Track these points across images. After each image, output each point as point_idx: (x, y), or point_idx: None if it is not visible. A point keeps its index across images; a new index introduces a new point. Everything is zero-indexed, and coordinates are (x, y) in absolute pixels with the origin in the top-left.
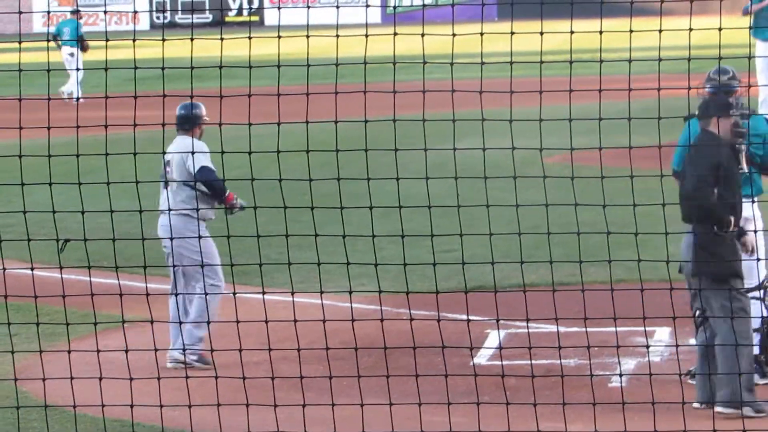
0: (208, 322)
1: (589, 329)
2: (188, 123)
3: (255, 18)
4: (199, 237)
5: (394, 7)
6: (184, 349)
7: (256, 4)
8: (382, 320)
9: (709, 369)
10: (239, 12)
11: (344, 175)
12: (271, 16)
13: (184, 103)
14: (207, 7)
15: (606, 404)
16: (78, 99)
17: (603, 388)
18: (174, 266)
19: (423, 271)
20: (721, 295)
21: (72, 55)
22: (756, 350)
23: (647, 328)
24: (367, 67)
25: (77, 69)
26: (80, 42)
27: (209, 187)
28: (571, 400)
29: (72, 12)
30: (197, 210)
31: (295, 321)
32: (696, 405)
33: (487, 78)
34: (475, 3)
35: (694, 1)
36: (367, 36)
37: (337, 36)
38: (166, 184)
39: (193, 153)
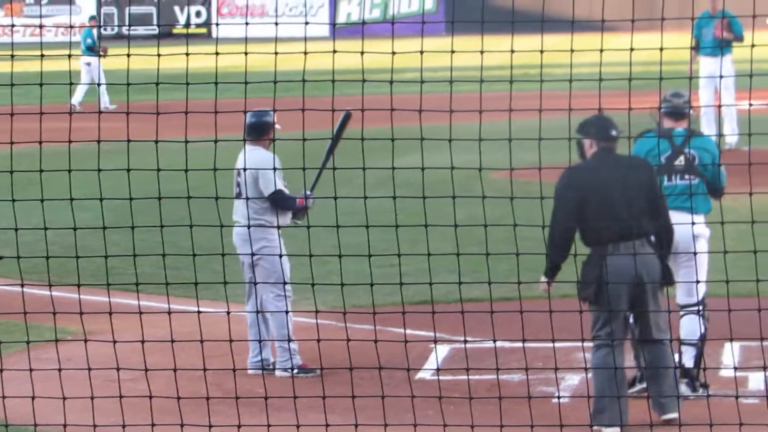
0: (289, 340)
1: (534, 345)
2: (257, 132)
3: (203, 30)
4: (280, 255)
5: (334, 24)
6: (291, 368)
7: (203, 17)
8: (318, 340)
9: (618, 390)
10: (187, 24)
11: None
12: (219, 29)
13: (253, 111)
14: (154, 19)
15: (546, 424)
16: (103, 109)
17: (546, 405)
18: (247, 277)
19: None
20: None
21: (88, 64)
22: (691, 363)
23: (587, 344)
24: (311, 82)
25: (99, 81)
26: (94, 50)
27: (281, 208)
28: (514, 415)
29: (89, 19)
30: (271, 219)
31: (231, 341)
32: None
33: (433, 93)
34: (416, 21)
35: (636, 20)
36: (306, 53)
37: (276, 53)
38: (239, 194)
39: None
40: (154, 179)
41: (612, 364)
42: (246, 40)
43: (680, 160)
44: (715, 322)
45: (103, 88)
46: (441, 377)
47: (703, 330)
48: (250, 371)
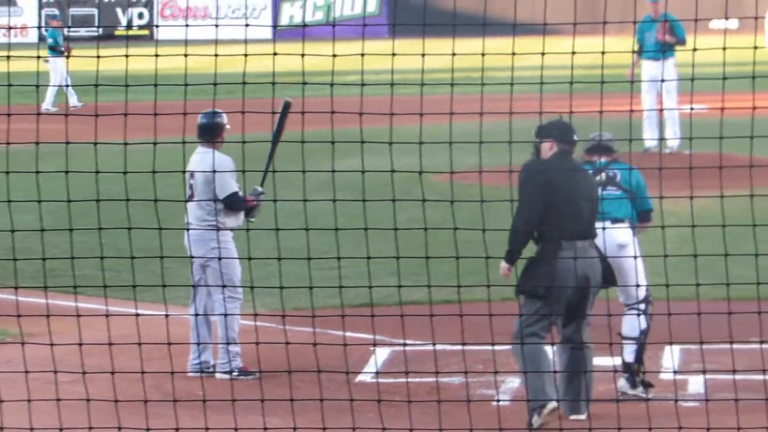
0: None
1: (474, 347)
2: (209, 133)
3: (145, 32)
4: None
5: (276, 26)
6: (231, 371)
7: (146, 19)
8: (257, 343)
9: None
10: (129, 26)
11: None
12: (162, 31)
13: (204, 112)
14: (96, 21)
15: (486, 427)
16: (44, 110)
17: (486, 407)
18: (196, 278)
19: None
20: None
21: (47, 62)
22: (631, 359)
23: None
24: (252, 84)
25: (53, 82)
26: (56, 50)
27: (234, 210)
28: (453, 418)
29: (51, 18)
30: (224, 220)
31: (169, 344)
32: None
33: (374, 96)
34: (358, 24)
35: (578, 24)
36: (246, 55)
37: (216, 55)
38: (191, 197)
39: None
40: (94, 181)
41: (544, 355)
42: (186, 42)
43: (602, 176)
44: (655, 326)
45: (54, 90)
46: (381, 380)
47: (644, 326)
48: (189, 374)
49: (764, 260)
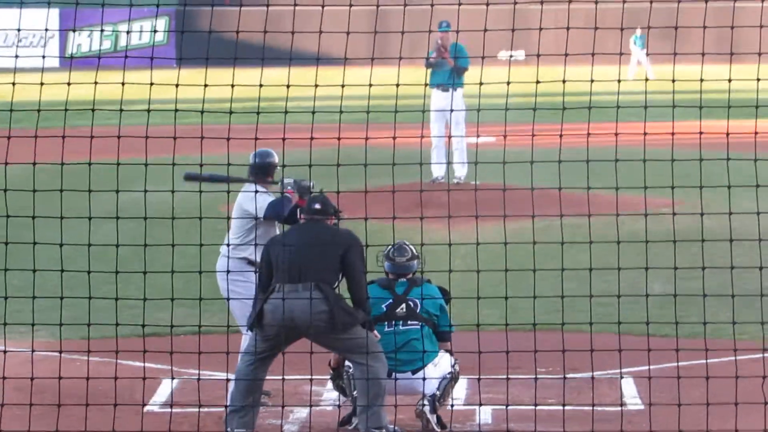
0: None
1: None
2: (262, 172)
3: None
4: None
5: (64, 56)
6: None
7: None
8: (60, 378)
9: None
10: None
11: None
12: None
13: (259, 151)
14: None
15: None
16: None
17: None
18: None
19: (108, 318)
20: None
21: None
22: (433, 390)
23: (315, 377)
24: (43, 112)
25: None
26: None
27: (282, 218)
28: None
29: None
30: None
31: None
32: None
33: (163, 125)
34: (148, 55)
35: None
36: (41, 82)
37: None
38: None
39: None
40: None
41: (251, 375)
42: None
43: (402, 308)
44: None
45: None
46: (170, 410)
47: (453, 364)
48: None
49: (544, 289)
